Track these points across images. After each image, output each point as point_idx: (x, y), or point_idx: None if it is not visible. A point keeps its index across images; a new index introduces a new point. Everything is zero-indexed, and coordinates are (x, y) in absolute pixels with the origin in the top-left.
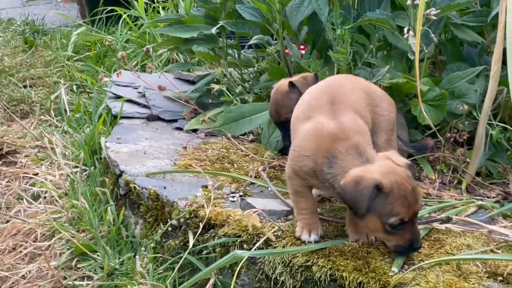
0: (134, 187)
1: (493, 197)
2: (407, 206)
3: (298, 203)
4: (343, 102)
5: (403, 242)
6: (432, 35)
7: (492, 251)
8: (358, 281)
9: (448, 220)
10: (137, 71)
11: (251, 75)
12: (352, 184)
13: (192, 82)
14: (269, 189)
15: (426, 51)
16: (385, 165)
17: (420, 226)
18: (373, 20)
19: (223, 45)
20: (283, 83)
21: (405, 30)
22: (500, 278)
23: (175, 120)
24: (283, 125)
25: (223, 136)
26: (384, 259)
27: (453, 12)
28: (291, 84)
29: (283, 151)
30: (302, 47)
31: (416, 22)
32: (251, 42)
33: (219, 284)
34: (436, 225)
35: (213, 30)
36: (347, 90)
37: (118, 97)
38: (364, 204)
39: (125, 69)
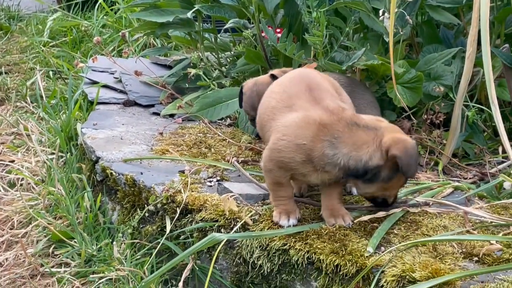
0: (111, 173)
1: (470, 178)
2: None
3: (276, 192)
4: (319, 89)
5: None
6: (408, 17)
7: (468, 232)
8: (335, 264)
9: (424, 204)
10: (113, 56)
11: (228, 59)
12: (403, 150)
13: (169, 67)
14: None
15: (401, 33)
16: (391, 125)
17: (396, 210)
18: (349, 3)
19: (199, 29)
20: (258, 78)
21: (381, 12)
22: (476, 258)
23: (152, 105)
24: None
25: (200, 121)
26: (361, 241)
27: None
28: (273, 76)
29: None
30: (278, 30)
31: (391, 4)
32: (227, 26)
33: (197, 269)
34: (412, 209)
35: (189, 14)
36: (319, 79)
37: (94, 82)
38: (416, 164)
39: (102, 55)
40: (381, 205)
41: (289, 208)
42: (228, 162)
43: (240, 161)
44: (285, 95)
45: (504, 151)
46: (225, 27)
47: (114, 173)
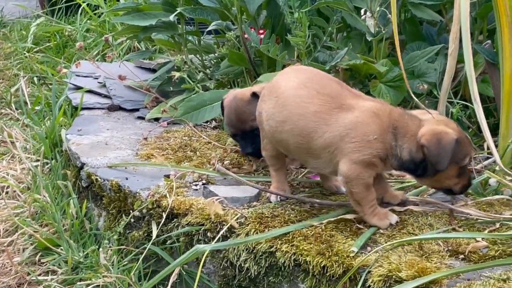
0: (96, 179)
1: None
2: (470, 144)
3: (368, 197)
4: (343, 84)
5: (466, 180)
6: (389, 15)
7: (454, 229)
8: (321, 265)
9: (409, 203)
10: (98, 60)
11: (212, 61)
12: (435, 142)
13: (153, 70)
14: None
15: (383, 31)
16: (440, 117)
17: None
18: (330, 2)
19: (182, 32)
20: (239, 91)
21: (362, 11)
22: (462, 256)
23: (137, 110)
24: (246, 134)
25: (185, 124)
26: (347, 242)
27: None
28: (254, 94)
29: (242, 152)
30: (261, 31)
31: (373, 3)
32: (210, 28)
33: (184, 273)
34: (396, 207)
35: (171, 17)
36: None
37: (78, 88)
38: (448, 158)
39: (86, 59)
40: (449, 193)
41: (382, 210)
42: (213, 165)
43: (224, 163)
44: (325, 96)
45: (489, 147)
46: (207, 29)
47: (99, 179)
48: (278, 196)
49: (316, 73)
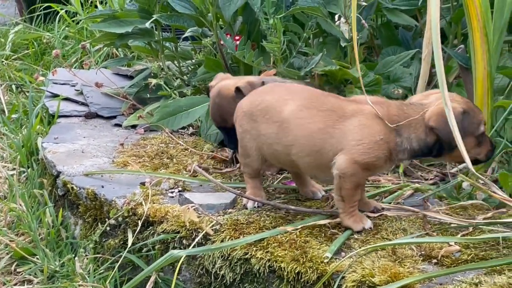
0: (72, 187)
1: (431, 179)
2: (479, 111)
3: (353, 197)
4: (337, 96)
5: (489, 146)
6: (363, 21)
7: (427, 234)
8: (296, 271)
9: (382, 210)
10: (76, 67)
11: (189, 68)
12: (442, 120)
13: (131, 77)
14: (209, 182)
15: (357, 37)
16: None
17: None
18: (305, 8)
19: (159, 38)
20: (224, 85)
21: (336, 17)
22: (435, 260)
23: (114, 117)
24: (229, 130)
25: (162, 131)
26: (321, 248)
27: None
28: (237, 89)
29: (225, 144)
30: (237, 37)
31: (347, 8)
32: (185, 35)
33: (160, 281)
34: (370, 214)
35: (147, 24)
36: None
37: (55, 95)
38: (460, 132)
39: (63, 67)
40: (475, 163)
41: (359, 214)
42: (190, 172)
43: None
44: (325, 113)
45: None
46: (183, 36)
47: (75, 187)
48: (256, 203)
49: (310, 92)
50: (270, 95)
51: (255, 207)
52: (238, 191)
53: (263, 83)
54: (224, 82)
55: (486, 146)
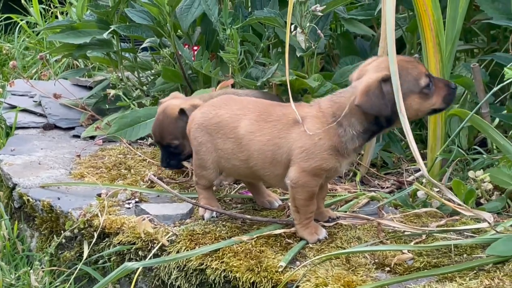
0: (28, 200)
1: (387, 188)
2: (417, 64)
3: (307, 207)
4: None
5: (444, 90)
6: (319, 31)
7: (381, 242)
8: (251, 281)
9: (337, 219)
10: (35, 79)
11: (149, 78)
12: (364, 96)
13: (90, 88)
14: (167, 193)
15: (313, 47)
16: (377, 62)
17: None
18: (262, 19)
19: (117, 49)
20: (171, 104)
21: (292, 27)
22: (388, 268)
23: (73, 128)
24: (164, 147)
25: (121, 142)
26: (276, 257)
27: (340, 7)
28: (181, 110)
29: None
30: (195, 48)
31: (303, 18)
32: (144, 45)
33: None
34: (325, 224)
35: (105, 35)
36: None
37: (13, 107)
38: (383, 100)
39: (21, 78)
40: (434, 113)
41: (314, 224)
42: (147, 183)
43: (161, 179)
44: (271, 124)
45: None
46: (141, 46)
47: (31, 200)
48: (213, 212)
49: (260, 104)
50: (223, 109)
51: (213, 216)
52: (195, 201)
53: None
54: (172, 101)
55: (440, 92)
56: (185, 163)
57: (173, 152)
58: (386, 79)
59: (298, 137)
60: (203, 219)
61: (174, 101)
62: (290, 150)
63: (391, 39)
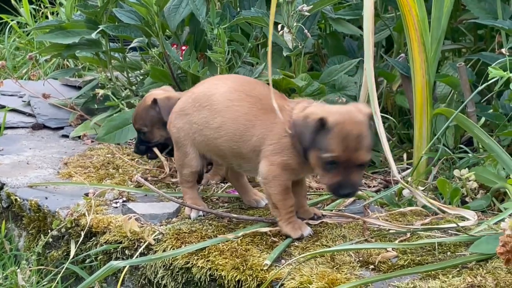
0: (16, 199)
1: (374, 186)
2: (344, 146)
3: (285, 202)
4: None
5: (333, 183)
6: (306, 31)
7: (366, 240)
8: (236, 279)
9: (318, 218)
10: (25, 79)
11: (137, 78)
12: (301, 119)
13: (79, 88)
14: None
15: (300, 46)
16: (344, 108)
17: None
18: (249, 18)
19: (106, 49)
20: (153, 93)
21: (279, 27)
22: (372, 266)
23: (62, 128)
24: (138, 133)
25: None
26: (262, 256)
27: (328, 7)
28: (154, 100)
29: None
30: (183, 47)
31: (290, 18)
32: (132, 45)
33: None
34: (311, 221)
35: (93, 35)
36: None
37: (2, 107)
38: (308, 135)
39: (11, 78)
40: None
41: (298, 221)
42: (134, 182)
43: (148, 180)
44: (253, 99)
45: (408, 158)
46: (129, 46)
47: (19, 199)
48: (199, 212)
49: (242, 77)
50: (200, 86)
51: (199, 216)
52: (181, 201)
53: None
54: (155, 91)
55: (334, 179)
56: (159, 154)
57: (142, 140)
58: (324, 124)
59: (270, 129)
60: (190, 218)
61: (156, 92)
62: (262, 138)
63: (367, 38)
